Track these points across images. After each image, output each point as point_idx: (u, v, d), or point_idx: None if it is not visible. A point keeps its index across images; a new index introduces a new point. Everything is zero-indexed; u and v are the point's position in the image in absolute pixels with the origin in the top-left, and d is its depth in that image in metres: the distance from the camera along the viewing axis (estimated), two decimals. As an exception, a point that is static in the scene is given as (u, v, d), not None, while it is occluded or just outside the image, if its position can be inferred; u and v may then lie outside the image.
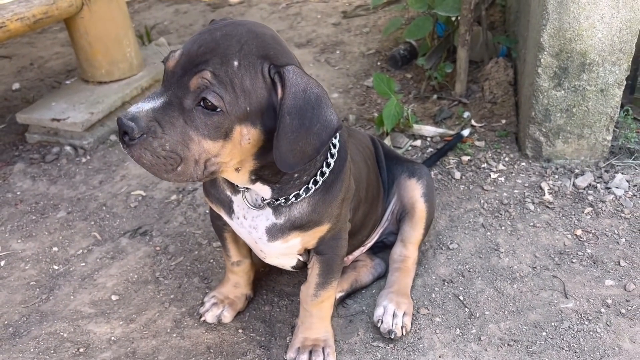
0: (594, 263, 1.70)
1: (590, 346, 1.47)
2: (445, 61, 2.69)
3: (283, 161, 1.08)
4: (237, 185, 1.28)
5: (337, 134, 1.30)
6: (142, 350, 1.57)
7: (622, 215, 1.86)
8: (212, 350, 1.56)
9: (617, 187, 1.95)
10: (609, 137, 2.03)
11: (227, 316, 1.62)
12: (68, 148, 2.50)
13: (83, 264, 1.90)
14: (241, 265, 1.62)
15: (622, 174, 2.00)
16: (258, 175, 1.20)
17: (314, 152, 1.09)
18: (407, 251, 1.69)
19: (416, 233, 1.68)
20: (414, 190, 1.69)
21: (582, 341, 1.48)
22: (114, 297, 1.76)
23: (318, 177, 1.27)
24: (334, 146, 1.30)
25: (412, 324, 1.57)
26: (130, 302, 1.73)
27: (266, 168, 1.18)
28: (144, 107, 1.05)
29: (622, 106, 2.15)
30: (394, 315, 1.53)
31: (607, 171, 2.03)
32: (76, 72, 3.19)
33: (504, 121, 2.39)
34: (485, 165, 2.16)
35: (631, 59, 1.86)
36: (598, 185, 1.98)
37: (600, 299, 1.59)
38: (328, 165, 1.27)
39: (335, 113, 1.11)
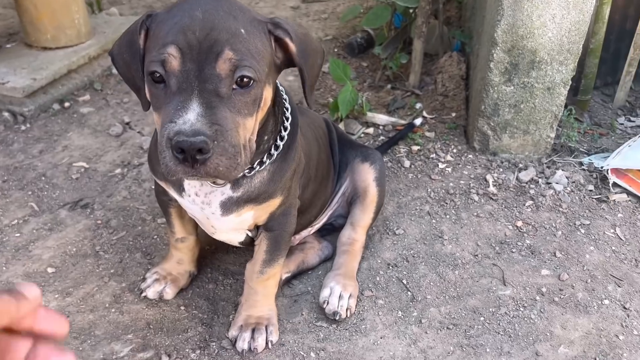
0: (532, 253, 1.77)
1: (524, 331, 1.52)
2: (401, 52, 2.72)
3: (311, 100, 1.18)
4: None
5: (287, 99, 1.32)
6: (77, 325, 1.51)
7: (560, 209, 1.94)
8: (152, 327, 1.52)
9: (557, 183, 2.03)
10: (553, 135, 2.11)
11: (169, 293, 1.59)
12: (6, 114, 2.37)
13: (18, 235, 1.81)
14: (185, 242, 1.59)
15: (563, 170, 2.08)
16: None
17: (315, 79, 1.20)
18: (355, 234, 1.70)
19: (366, 217, 1.70)
20: (367, 174, 1.70)
21: (517, 326, 1.54)
22: (49, 270, 1.68)
23: (278, 142, 1.27)
24: (287, 109, 1.30)
25: (356, 306, 1.58)
26: (67, 276, 1.67)
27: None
28: (189, 117, 0.97)
29: (566, 106, 2.24)
30: (340, 297, 1.54)
31: (548, 167, 2.11)
32: (18, 36, 3.02)
33: (454, 114, 2.44)
34: (434, 155, 2.20)
35: (577, 60, 1.94)
36: (539, 180, 2.06)
37: (536, 287, 1.65)
38: (285, 128, 1.28)
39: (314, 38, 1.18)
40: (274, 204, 1.33)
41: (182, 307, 1.59)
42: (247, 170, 1.25)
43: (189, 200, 1.31)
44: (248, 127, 1.07)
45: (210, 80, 0.99)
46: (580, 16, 1.83)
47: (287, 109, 1.30)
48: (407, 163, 2.15)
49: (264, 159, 1.26)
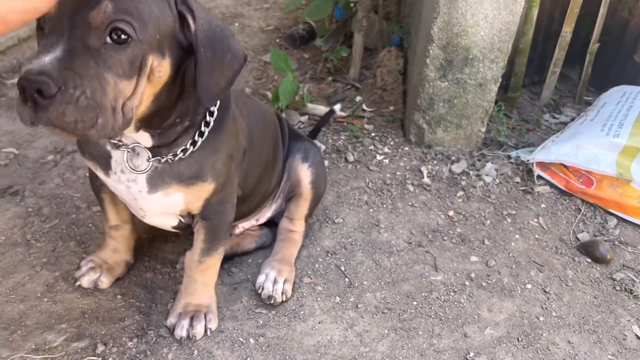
0: (462, 241, 1.86)
1: (454, 314, 1.61)
2: (341, 45, 2.76)
3: (206, 94, 1.07)
4: (118, 141, 1.20)
5: None
6: (7, 315, 1.46)
7: (489, 200, 2.05)
8: (87, 316, 1.49)
9: (486, 175, 2.14)
10: (483, 129, 2.21)
11: (105, 281, 1.56)
12: None
13: (-60, 223, 1.72)
14: (120, 230, 1.56)
15: (492, 163, 2.19)
16: (144, 123, 1.13)
17: (227, 84, 1.11)
18: (292, 226, 1.72)
19: (300, 211, 1.72)
20: (304, 176, 1.71)
21: (447, 310, 1.62)
22: (-24, 259, 1.61)
23: (203, 128, 1.22)
24: None
25: (294, 291, 1.61)
26: (-5, 265, 1.61)
27: (156, 114, 1.12)
28: (45, 59, 0.90)
29: (496, 102, 2.36)
30: (275, 281, 1.56)
31: (479, 160, 2.22)
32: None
33: (392, 107, 2.52)
34: (372, 147, 2.27)
35: (507, 59, 2.04)
36: (470, 172, 2.16)
37: (465, 273, 1.74)
38: (212, 114, 1.23)
39: (239, 44, 1.10)
40: (205, 189, 1.29)
41: (119, 296, 1.57)
42: (171, 157, 1.21)
43: (115, 178, 1.26)
44: (122, 90, 0.98)
45: (80, 26, 0.92)
46: (510, 17, 1.93)
47: None
48: (350, 157, 2.19)
49: (188, 147, 1.21)
